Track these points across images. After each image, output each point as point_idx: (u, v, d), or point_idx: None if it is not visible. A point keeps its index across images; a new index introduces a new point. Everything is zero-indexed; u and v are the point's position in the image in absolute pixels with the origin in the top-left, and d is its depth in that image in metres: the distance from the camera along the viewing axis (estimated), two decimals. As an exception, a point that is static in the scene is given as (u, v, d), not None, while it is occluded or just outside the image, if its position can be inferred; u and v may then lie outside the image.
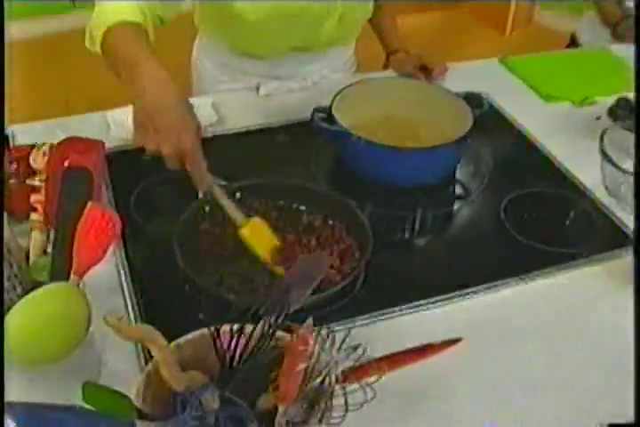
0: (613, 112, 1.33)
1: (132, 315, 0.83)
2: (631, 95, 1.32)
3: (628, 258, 1.02)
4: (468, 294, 0.95)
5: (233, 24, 1.24)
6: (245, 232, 0.92)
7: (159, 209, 1.04)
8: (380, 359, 0.64)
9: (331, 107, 1.13)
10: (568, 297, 0.97)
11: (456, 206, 1.16)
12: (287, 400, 0.61)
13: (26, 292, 0.65)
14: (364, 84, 1.22)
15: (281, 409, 0.61)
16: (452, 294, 0.95)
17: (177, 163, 0.89)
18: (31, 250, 0.72)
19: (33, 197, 0.73)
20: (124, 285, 0.88)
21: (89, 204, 0.66)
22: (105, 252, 0.67)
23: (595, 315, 0.93)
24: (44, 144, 0.75)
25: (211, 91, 1.43)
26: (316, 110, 1.12)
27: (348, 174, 1.14)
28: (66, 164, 0.68)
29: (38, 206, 0.72)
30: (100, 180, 0.70)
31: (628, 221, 1.10)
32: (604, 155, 1.11)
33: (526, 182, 1.17)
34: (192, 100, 0.87)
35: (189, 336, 0.67)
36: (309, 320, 0.63)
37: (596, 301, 0.96)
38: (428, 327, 0.90)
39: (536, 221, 1.10)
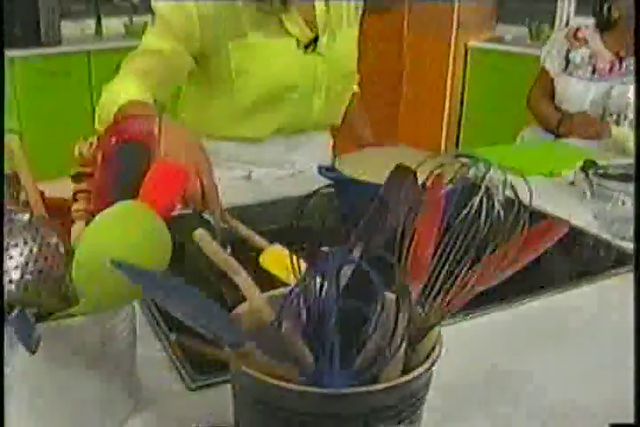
0: (585, 171, 1.41)
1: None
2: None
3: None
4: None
5: (224, 107, 1.31)
6: (270, 257, 0.89)
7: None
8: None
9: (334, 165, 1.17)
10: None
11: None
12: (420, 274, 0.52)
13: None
14: (363, 151, 1.29)
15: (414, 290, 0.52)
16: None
17: (198, 203, 0.89)
18: (74, 243, 0.65)
19: (74, 187, 0.68)
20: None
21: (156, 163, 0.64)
22: (173, 206, 0.62)
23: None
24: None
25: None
26: (320, 167, 1.16)
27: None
28: (113, 140, 0.66)
29: (80, 196, 0.67)
30: (158, 151, 0.68)
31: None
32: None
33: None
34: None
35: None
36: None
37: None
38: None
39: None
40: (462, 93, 4.25)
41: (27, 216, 0.59)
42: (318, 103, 1.40)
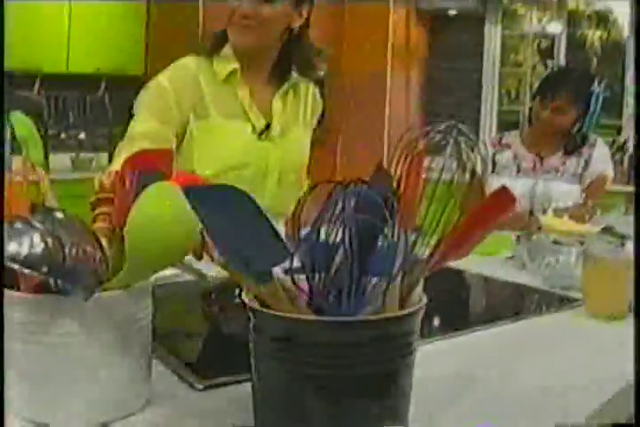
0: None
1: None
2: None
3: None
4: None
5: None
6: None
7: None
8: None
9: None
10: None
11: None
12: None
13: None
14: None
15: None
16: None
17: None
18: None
19: (97, 211, 0.76)
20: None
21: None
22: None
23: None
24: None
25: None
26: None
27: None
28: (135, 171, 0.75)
29: (99, 218, 0.75)
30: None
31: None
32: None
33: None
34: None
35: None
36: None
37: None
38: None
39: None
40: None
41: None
42: (270, 188, 1.54)
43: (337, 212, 0.56)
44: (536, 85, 2.33)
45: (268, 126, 1.53)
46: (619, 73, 5.00)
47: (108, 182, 0.80)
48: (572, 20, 5.32)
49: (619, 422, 0.82)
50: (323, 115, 1.78)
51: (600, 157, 2.20)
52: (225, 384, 0.78)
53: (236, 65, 1.48)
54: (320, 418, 0.59)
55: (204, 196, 0.55)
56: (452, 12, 4.70)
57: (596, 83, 2.15)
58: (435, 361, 0.83)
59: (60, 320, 0.63)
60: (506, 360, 0.93)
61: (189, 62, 1.49)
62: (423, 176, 0.66)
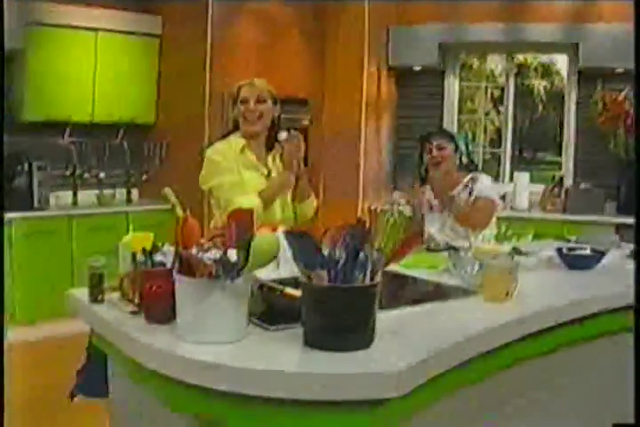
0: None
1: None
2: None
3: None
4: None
5: None
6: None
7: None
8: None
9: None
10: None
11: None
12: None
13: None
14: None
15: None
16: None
17: None
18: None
19: (214, 239, 1.50)
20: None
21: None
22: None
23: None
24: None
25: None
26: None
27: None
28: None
29: (215, 239, 1.48)
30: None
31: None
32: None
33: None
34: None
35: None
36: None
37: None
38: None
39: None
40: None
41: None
42: (278, 207, 2.56)
43: (342, 240, 1.35)
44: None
45: (269, 173, 2.57)
46: (560, 116, 5.85)
47: (218, 227, 1.55)
48: (521, 71, 6.23)
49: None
50: (306, 158, 2.63)
51: (482, 187, 3.12)
52: (284, 329, 1.54)
53: (244, 142, 2.56)
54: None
55: (290, 235, 1.34)
56: (417, 68, 5.53)
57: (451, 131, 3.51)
58: (383, 319, 1.61)
59: (214, 291, 1.39)
60: (429, 317, 1.71)
61: (221, 146, 2.58)
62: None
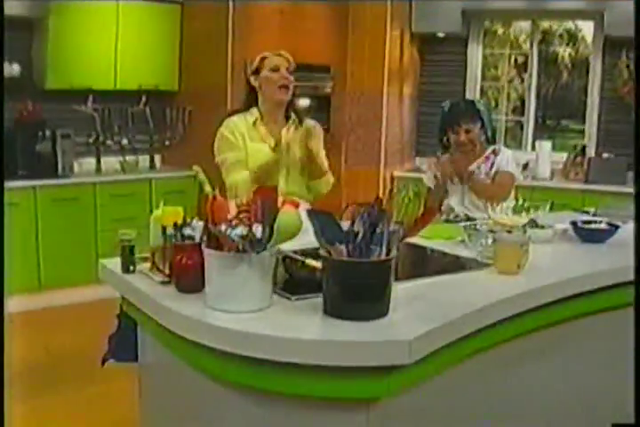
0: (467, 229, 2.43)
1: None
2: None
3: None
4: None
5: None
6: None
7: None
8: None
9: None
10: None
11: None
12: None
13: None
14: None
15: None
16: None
17: None
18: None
19: (241, 215, 1.58)
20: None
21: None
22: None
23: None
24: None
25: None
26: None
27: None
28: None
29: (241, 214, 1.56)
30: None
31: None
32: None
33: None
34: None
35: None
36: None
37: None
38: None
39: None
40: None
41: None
42: (282, 178, 2.60)
43: (360, 217, 1.42)
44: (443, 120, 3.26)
45: (276, 145, 2.55)
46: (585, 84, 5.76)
47: (244, 203, 1.63)
48: (545, 38, 6.12)
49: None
50: (329, 126, 2.74)
51: (502, 160, 3.14)
52: (305, 298, 1.64)
53: (257, 115, 2.64)
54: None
55: (313, 213, 1.42)
56: (440, 35, 5.49)
57: (478, 104, 3.24)
58: (399, 290, 1.69)
59: (241, 264, 1.49)
60: (443, 289, 1.80)
61: (236, 119, 2.64)
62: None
